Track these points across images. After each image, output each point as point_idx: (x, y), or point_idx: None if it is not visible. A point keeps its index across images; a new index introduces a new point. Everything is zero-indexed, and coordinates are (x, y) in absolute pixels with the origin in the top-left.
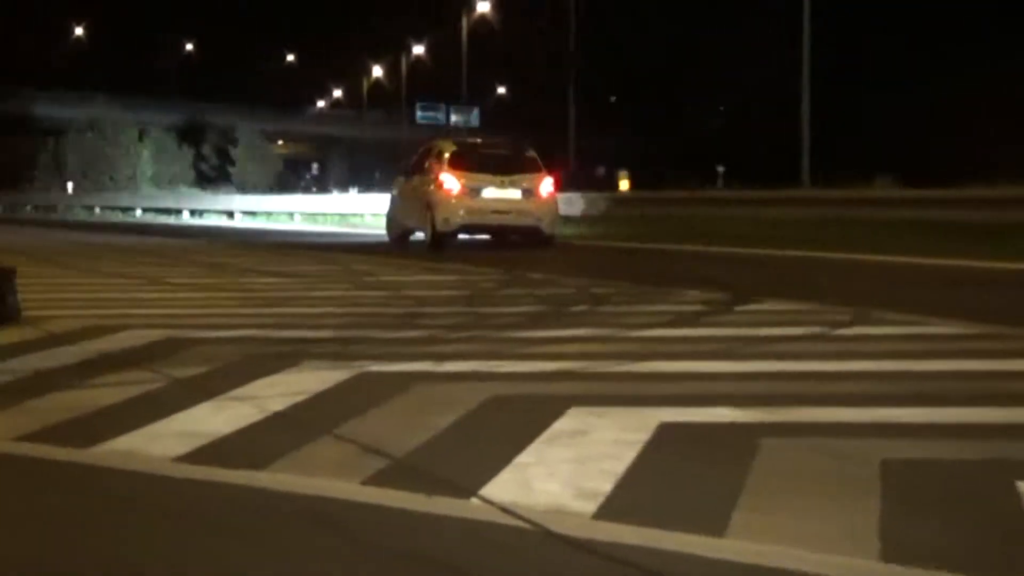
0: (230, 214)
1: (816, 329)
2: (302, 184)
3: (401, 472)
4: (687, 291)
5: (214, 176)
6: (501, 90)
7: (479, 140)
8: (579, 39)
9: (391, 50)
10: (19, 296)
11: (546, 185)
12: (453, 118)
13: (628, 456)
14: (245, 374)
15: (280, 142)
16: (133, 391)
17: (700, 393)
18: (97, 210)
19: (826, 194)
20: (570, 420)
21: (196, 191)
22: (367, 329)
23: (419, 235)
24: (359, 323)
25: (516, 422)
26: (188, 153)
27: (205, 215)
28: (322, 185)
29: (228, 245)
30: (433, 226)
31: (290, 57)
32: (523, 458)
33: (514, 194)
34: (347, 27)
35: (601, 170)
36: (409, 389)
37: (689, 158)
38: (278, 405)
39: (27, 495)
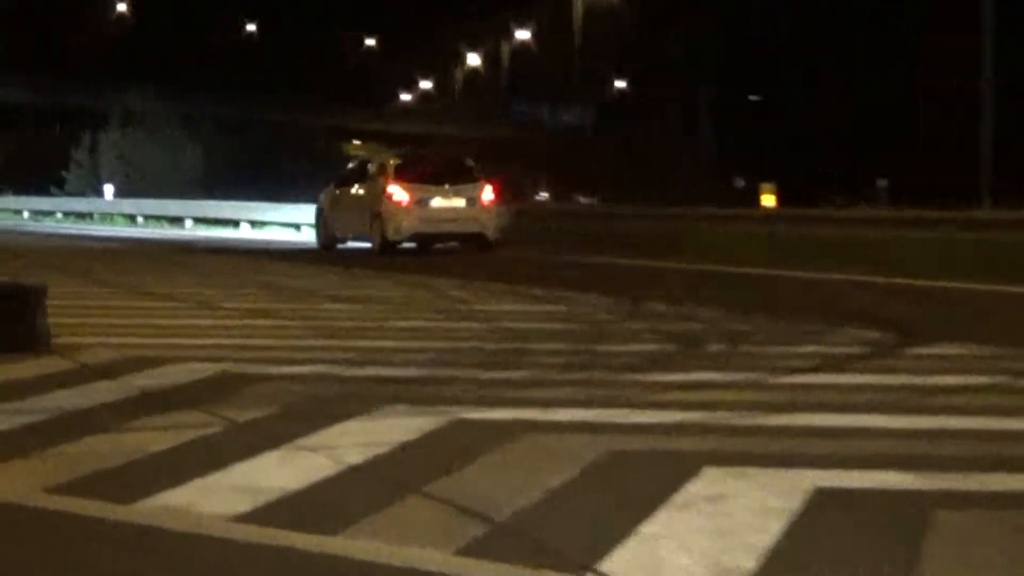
0: (297, 227)
1: (999, 379)
2: None
3: (503, 540)
4: (842, 329)
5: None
6: (620, 84)
7: (420, 152)
8: (717, 20)
9: (490, 36)
10: (49, 320)
11: (487, 193)
12: (563, 116)
13: (775, 528)
14: (315, 419)
15: (356, 141)
16: (183, 436)
17: (859, 453)
18: (140, 219)
19: (1015, 215)
20: (704, 482)
21: (257, 202)
22: (460, 368)
23: (351, 243)
24: (450, 360)
25: (639, 483)
26: (242, 155)
27: (267, 227)
28: None
29: (292, 263)
30: (383, 235)
31: (369, 42)
32: (649, 527)
33: (459, 203)
34: (438, 7)
35: (740, 182)
36: (511, 441)
37: (844, 169)
38: (355, 457)
39: (58, 558)
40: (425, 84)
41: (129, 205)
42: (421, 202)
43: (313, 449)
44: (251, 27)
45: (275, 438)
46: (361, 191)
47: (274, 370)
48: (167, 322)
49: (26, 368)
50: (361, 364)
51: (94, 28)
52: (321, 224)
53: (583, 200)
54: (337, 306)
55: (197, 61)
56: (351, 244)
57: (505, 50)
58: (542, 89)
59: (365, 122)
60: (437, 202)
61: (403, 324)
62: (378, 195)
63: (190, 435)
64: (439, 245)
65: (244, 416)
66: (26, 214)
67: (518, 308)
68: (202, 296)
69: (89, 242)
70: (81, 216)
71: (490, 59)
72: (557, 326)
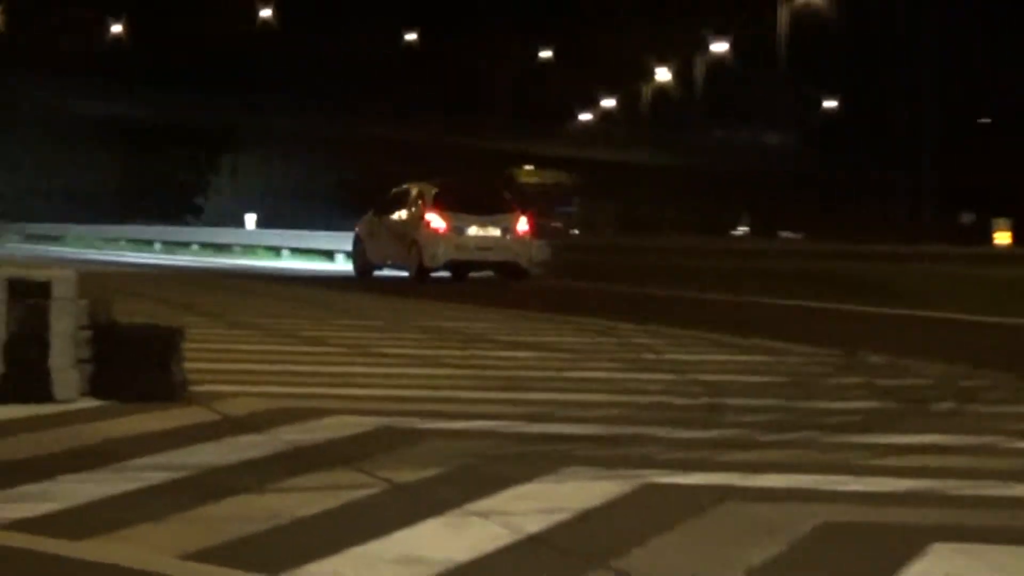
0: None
1: None
2: (553, 224)
3: None
4: None
5: None
6: (830, 104)
7: (459, 182)
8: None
9: (682, 48)
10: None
11: (522, 224)
12: (764, 141)
13: None
14: (487, 481)
15: (527, 167)
16: (336, 499)
17: None
18: (285, 252)
19: None
20: (931, 561)
21: None
22: (648, 425)
23: (386, 271)
24: (637, 417)
25: (856, 561)
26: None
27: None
28: (585, 225)
29: (457, 306)
30: (420, 262)
31: (545, 54)
32: None
33: (495, 232)
34: (622, 16)
35: (968, 217)
36: (709, 509)
37: None
38: (533, 525)
39: None
40: (607, 102)
41: (273, 236)
42: (457, 230)
43: (484, 515)
44: (411, 36)
45: (440, 502)
46: (398, 219)
47: (439, 425)
48: (317, 369)
49: (162, 419)
50: (538, 420)
51: (225, 38)
52: (359, 251)
53: (786, 235)
54: (510, 353)
55: (344, 75)
56: (386, 272)
57: (700, 65)
58: (741, 111)
59: (539, 145)
60: (473, 231)
61: (585, 374)
62: (415, 223)
63: (344, 498)
64: (474, 274)
65: (405, 477)
66: (158, 245)
67: (713, 358)
68: (356, 340)
69: (228, 279)
70: (220, 248)
71: (681, 75)
72: (758, 379)
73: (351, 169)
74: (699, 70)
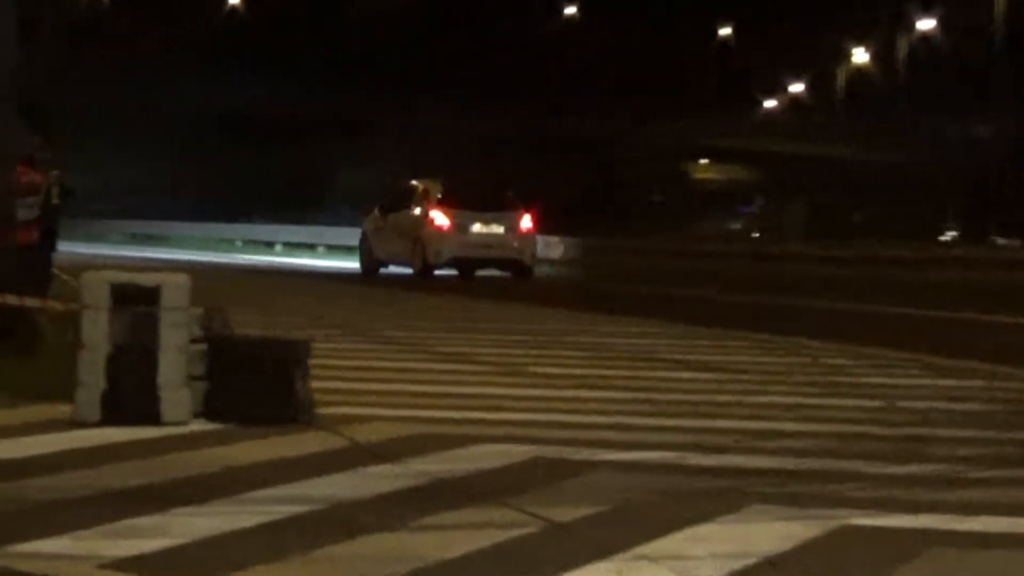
0: None
1: None
2: (737, 225)
3: None
4: None
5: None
6: None
7: (463, 180)
8: None
9: (883, 27)
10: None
11: (525, 221)
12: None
13: None
14: (657, 521)
15: (702, 161)
16: (484, 539)
17: None
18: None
19: None
20: None
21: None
22: (845, 459)
23: (392, 268)
24: (832, 448)
25: None
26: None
27: None
28: (768, 228)
29: (616, 319)
30: (423, 259)
31: (724, 31)
32: None
33: (498, 229)
34: None
35: None
36: (918, 556)
37: None
38: (711, 572)
39: None
40: (795, 87)
41: None
42: (461, 227)
43: (655, 560)
44: (570, 10)
45: (605, 545)
46: (403, 216)
47: (603, 456)
48: (459, 389)
49: (285, 446)
50: (716, 451)
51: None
52: (365, 249)
53: (1001, 242)
54: (684, 374)
55: (486, 65)
56: (392, 269)
57: (903, 45)
58: (951, 97)
59: (715, 137)
60: (477, 228)
61: (769, 399)
62: (420, 220)
63: (494, 538)
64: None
65: (564, 515)
66: (279, 247)
67: (918, 382)
68: (502, 356)
69: (357, 285)
70: (351, 251)
71: (882, 57)
72: (972, 407)
73: (499, 165)
74: (902, 51)
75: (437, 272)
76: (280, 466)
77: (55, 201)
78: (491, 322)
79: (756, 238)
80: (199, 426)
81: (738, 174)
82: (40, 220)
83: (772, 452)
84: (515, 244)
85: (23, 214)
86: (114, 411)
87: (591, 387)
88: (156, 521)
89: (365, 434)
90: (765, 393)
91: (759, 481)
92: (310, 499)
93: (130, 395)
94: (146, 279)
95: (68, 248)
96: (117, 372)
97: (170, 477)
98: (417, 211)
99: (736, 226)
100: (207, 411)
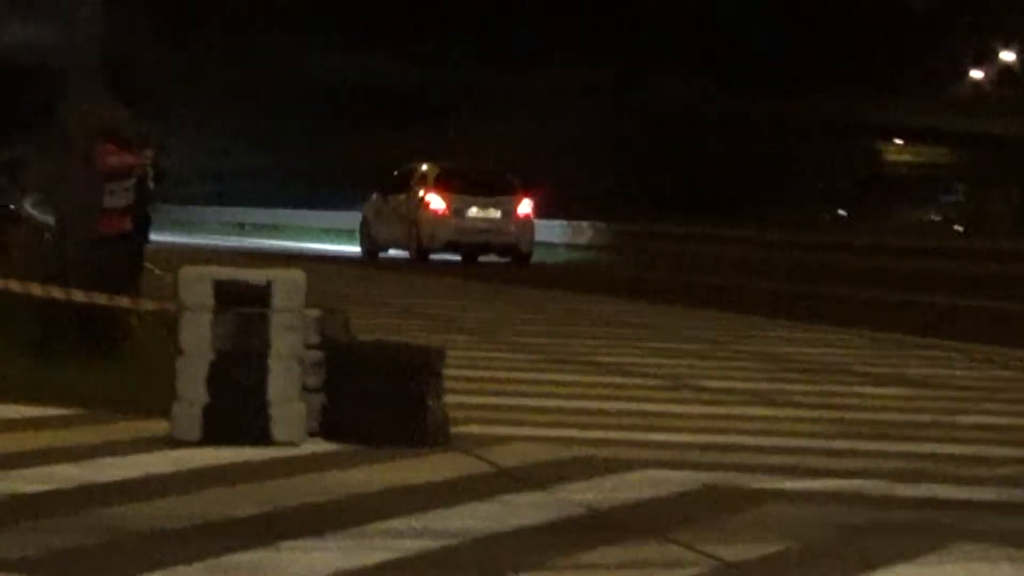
0: None
1: None
2: (934, 216)
3: None
4: None
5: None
6: None
7: (461, 163)
8: None
9: None
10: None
11: (524, 207)
12: None
13: None
14: (847, 561)
15: (897, 141)
16: None
17: None
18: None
19: None
20: None
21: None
22: None
23: (391, 252)
24: None
25: None
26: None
27: None
28: (975, 219)
29: (792, 325)
30: (419, 242)
31: None
32: None
33: (495, 214)
34: None
35: None
36: None
37: None
38: None
39: None
40: (1007, 56)
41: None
42: (457, 212)
43: None
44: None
45: None
46: (401, 200)
47: (782, 484)
48: (614, 406)
49: (415, 470)
50: (916, 479)
51: None
52: (365, 233)
53: None
54: (876, 390)
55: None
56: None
57: None
58: None
59: (911, 115)
60: (473, 212)
61: (979, 419)
62: (416, 204)
63: None
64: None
65: (739, 553)
66: None
67: None
68: (664, 367)
69: (511, 286)
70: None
71: None
72: None
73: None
74: None
75: (433, 256)
76: (408, 494)
77: (150, 184)
78: (635, 328)
79: (959, 232)
80: (315, 446)
81: (936, 156)
82: (134, 206)
83: (980, 481)
84: (512, 229)
85: (112, 200)
86: (217, 428)
87: (768, 403)
88: (264, 557)
89: (507, 457)
90: (972, 412)
91: (964, 515)
92: (446, 532)
93: (235, 410)
94: (254, 275)
95: (158, 238)
96: (220, 383)
97: (281, 506)
98: (414, 195)
99: (936, 217)
100: (324, 429)
